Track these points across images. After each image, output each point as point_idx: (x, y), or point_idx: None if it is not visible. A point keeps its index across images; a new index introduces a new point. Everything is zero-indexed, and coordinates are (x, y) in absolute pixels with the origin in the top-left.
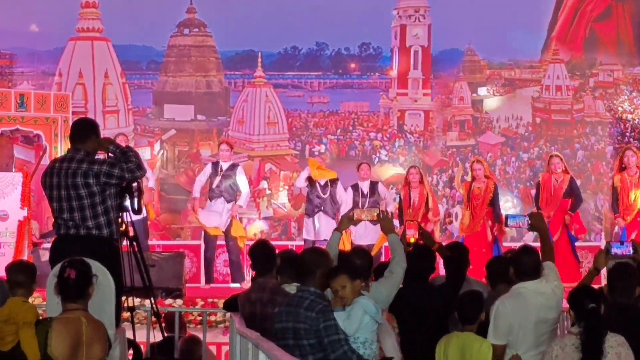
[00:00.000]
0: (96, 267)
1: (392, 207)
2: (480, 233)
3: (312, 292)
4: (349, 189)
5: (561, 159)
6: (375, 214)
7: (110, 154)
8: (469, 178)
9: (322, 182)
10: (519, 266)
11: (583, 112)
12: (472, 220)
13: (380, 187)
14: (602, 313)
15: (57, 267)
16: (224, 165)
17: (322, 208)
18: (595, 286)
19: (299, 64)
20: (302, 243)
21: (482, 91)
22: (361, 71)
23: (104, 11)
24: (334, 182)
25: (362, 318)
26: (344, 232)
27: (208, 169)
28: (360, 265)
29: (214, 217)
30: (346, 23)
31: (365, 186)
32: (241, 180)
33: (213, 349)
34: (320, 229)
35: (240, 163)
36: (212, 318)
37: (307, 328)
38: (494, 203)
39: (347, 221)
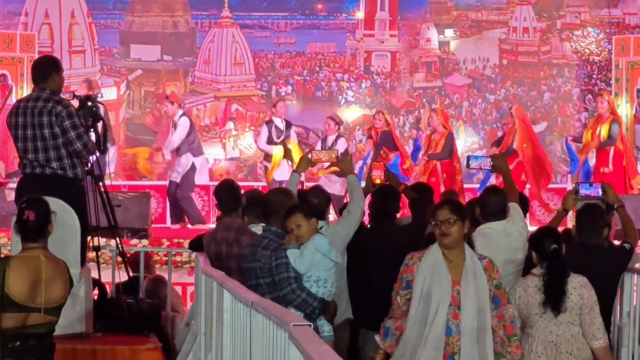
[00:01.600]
0: (60, 206)
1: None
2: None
3: (273, 231)
4: (263, 124)
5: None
6: (334, 156)
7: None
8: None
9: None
10: (485, 207)
11: (550, 54)
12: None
13: (292, 129)
14: (568, 254)
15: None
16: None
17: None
18: (562, 227)
19: (266, 4)
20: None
21: (449, 33)
22: (328, 12)
23: None
24: (289, 125)
25: (314, 256)
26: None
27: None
28: (317, 205)
29: None
30: None
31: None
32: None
33: (178, 289)
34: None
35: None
36: (178, 258)
37: (261, 267)
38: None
39: (305, 162)
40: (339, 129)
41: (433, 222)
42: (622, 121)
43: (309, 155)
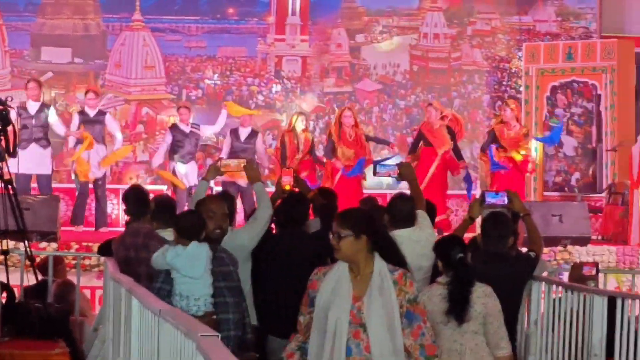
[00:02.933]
0: None
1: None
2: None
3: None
4: (227, 134)
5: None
6: (242, 165)
7: None
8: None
9: (246, 132)
10: (395, 213)
11: (460, 60)
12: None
13: (259, 138)
14: (473, 262)
15: None
16: (91, 113)
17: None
18: (470, 235)
19: (177, 8)
20: None
21: (360, 38)
22: (239, 16)
23: None
24: (256, 132)
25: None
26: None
27: (76, 119)
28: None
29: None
30: None
31: (244, 132)
32: (113, 127)
33: (87, 292)
34: None
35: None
36: (87, 262)
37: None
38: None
39: (214, 170)
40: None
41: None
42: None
43: (218, 164)
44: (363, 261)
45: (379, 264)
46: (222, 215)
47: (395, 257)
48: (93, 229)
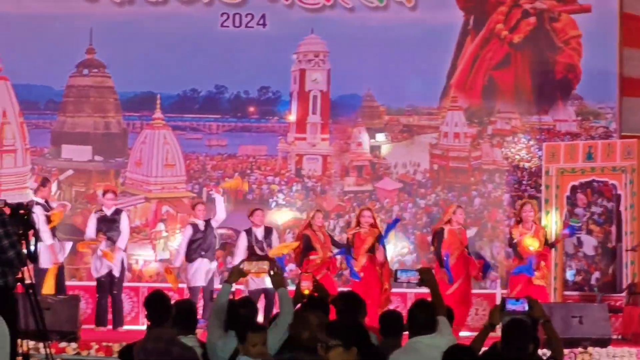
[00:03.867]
0: None
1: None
2: (371, 281)
3: None
4: (242, 233)
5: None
6: (265, 267)
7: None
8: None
9: (260, 231)
10: (415, 321)
11: (481, 159)
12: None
13: (274, 235)
14: None
15: None
16: (108, 212)
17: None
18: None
19: (198, 106)
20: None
21: (381, 137)
22: (260, 115)
23: (2, 50)
24: (270, 230)
25: None
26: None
27: (92, 224)
28: (246, 315)
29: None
30: (246, 66)
31: (259, 232)
32: (125, 225)
33: None
34: None
35: (134, 206)
36: None
37: None
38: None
39: (237, 273)
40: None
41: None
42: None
43: (241, 267)
44: None
45: None
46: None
47: None
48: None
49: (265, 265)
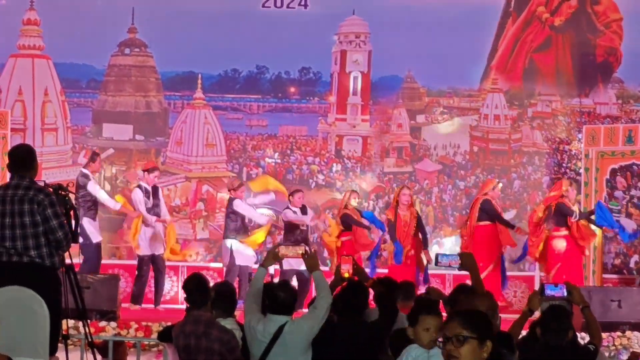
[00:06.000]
0: (29, 295)
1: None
2: (408, 267)
3: None
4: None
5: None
6: (300, 252)
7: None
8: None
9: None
10: (457, 304)
11: (521, 142)
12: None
13: (309, 214)
14: (532, 354)
15: None
16: (148, 188)
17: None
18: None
19: (239, 86)
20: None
21: (421, 118)
22: (300, 95)
23: (45, 29)
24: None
25: None
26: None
27: (140, 195)
28: (284, 299)
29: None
30: (287, 47)
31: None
32: (163, 201)
33: None
34: None
35: (174, 185)
36: (146, 341)
37: None
38: (420, 230)
39: (272, 257)
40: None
41: (442, 336)
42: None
43: (276, 250)
44: None
45: None
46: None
47: None
48: (152, 305)
49: (300, 249)
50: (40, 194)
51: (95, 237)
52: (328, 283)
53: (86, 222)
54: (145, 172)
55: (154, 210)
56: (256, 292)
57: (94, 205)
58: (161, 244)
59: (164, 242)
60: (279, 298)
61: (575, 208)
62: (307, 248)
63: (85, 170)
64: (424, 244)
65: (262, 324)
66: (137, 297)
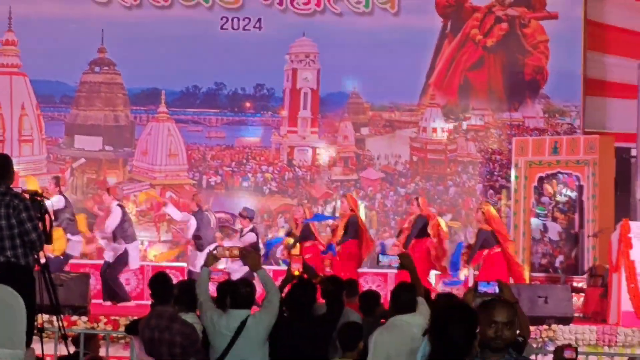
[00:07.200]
0: (8, 292)
1: None
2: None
3: None
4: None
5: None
6: (236, 252)
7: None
8: None
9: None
10: (398, 301)
11: (456, 152)
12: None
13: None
14: None
15: None
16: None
17: None
18: None
19: (199, 101)
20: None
21: (365, 131)
22: (255, 110)
23: (23, 48)
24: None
25: None
26: None
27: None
28: (249, 294)
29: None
30: (243, 65)
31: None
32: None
33: None
34: None
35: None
36: (114, 334)
37: None
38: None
39: (212, 258)
40: (250, 221)
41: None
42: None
43: (214, 251)
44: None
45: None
46: (502, 324)
47: None
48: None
49: (235, 250)
50: (16, 199)
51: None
52: (272, 279)
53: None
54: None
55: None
56: (205, 290)
57: (72, 221)
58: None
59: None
60: (242, 293)
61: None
62: (242, 249)
63: (56, 197)
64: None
65: (225, 319)
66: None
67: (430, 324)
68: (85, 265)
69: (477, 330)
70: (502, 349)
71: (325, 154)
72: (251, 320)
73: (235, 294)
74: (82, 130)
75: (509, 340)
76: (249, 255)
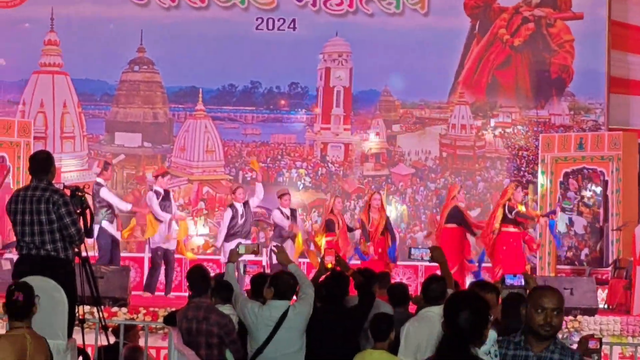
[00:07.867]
0: (50, 284)
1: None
2: (377, 262)
3: None
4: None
5: None
6: (255, 249)
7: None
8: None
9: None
10: (428, 292)
11: (484, 148)
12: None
13: (298, 215)
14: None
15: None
16: (161, 192)
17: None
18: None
19: (235, 99)
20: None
21: (396, 128)
22: (290, 107)
23: (64, 48)
24: (295, 211)
25: None
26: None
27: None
28: (293, 285)
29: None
30: (277, 64)
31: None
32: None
33: (153, 352)
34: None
35: (178, 187)
36: (153, 324)
37: None
38: (388, 231)
39: (235, 254)
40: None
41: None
42: None
43: (237, 248)
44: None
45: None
46: (551, 310)
47: None
48: (162, 294)
49: (255, 247)
50: (55, 195)
51: (113, 235)
52: (304, 272)
53: (106, 224)
54: (159, 177)
55: (166, 210)
56: (235, 284)
57: (110, 208)
58: (173, 240)
59: (176, 238)
60: (289, 284)
61: (521, 207)
62: (275, 245)
63: (98, 179)
64: (391, 243)
65: (268, 310)
66: (149, 286)
67: (443, 310)
68: (126, 258)
69: (490, 318)
70: (550, 337)
71: (357, 149)
72: (292, 311)
73: (281, 285)
74: (122, 127)
75: (557, 327)
76: (280, 251)
